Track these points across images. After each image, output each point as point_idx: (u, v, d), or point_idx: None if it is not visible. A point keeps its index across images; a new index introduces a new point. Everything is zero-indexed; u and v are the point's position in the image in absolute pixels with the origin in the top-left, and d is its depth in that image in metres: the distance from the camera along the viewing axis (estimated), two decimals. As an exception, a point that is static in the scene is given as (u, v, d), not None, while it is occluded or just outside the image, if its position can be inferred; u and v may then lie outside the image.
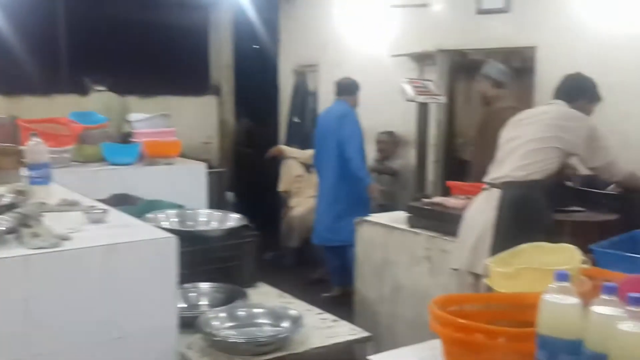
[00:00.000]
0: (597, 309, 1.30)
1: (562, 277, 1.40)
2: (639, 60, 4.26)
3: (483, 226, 3.08)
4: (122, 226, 2.49)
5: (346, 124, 5.18)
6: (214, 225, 3.42)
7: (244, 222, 3.34)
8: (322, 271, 5.89)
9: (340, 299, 5.08)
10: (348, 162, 5.15)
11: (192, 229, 3.35)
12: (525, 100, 4.93)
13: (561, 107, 3.28)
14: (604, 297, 1.31)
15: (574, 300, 1.38)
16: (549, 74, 4.83)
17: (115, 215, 2.65)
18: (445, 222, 3.58)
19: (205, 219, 3.50)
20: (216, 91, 7.97)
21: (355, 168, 5.12)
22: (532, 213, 3.02)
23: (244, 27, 7.47)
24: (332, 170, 5.28)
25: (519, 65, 5.52)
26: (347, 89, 5.39)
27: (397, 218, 4.03)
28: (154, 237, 2.37)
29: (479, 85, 4.67)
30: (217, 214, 3.56)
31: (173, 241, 2.35)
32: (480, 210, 3.14)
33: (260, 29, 7.25)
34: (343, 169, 5.19)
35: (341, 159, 5.19)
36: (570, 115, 3.20)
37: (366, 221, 4.08)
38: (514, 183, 3.06)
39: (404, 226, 3.83)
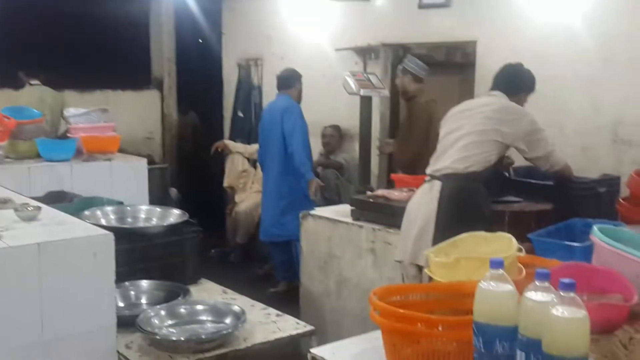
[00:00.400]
0: (531, 295, 1.32)
1: (497, 265, 1.41)
2: (575, 52, 4.37)
3: (425, 218, 3.11)
4: (56, 224, 2.40)
5: (289, 118, 5.15)
6: (154, 221, 3.35)
7: (186, 217, 3.28)
8: (269, 267, 5.86)
9: (287, 294, 5.07)
10: (291, 157, 5.13)
11: (131, 226, 3.27)
12: (466, 94, 5.03)
13: (501, 99, 3.30)
14: (538, 283, 1.33)
15: (508, 287, 1.40)
16: (489, 67, 4.90)
17: (50, 213, 2.56)
18: (388, 215, 3.60)
19: (145, 216, 3.42)
20: (158, 85, 7.81)
21: (298, 163, 5.10)
22: (472, 204, 3.07)
23: (186, 20, 7.34)
24: (276, 165, 5.25)
25: (461, 60, 5.62)
26: (286, 82, 5.35)
27: (341, 211, 4.03)
28: (89, 235, 2.30)
29: (399, 80, 4.76)
30: (157, 210, 3.48)
31: (110, 238, 2.28)
32: (422, 203, 3.17)
33: (202, 22, 7.14)
34: (287, 163, 5.17)
35: (285, 154, 5.16)
36: (510, 109, 3.24)
37: (311, 215, 4.07)
38: (454, 175, 3.10)
39: (348, 219, 3.84)
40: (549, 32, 4.48)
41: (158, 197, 5.71)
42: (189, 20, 7.21)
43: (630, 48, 4.12)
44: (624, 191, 3.44)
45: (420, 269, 3.07)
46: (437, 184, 3.13)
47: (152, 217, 3.41)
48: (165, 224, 3.26)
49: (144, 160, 4.81)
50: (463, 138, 3.16)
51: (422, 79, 4.74)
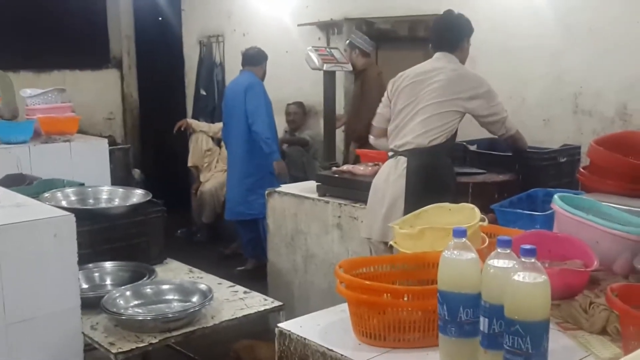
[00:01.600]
0: (493, 262, 1.34)
1: (459, 234, 1.42)
2: (536, 23, 4.39)
3: (393, 195, 3.10)
4: (14, 206, 2.36)
5: (253, 96, 5.09)
6: (117, 202, 3.31)
7: (149, 197, 3.24)
8: (236, 245, 5.84)
9: (255, 273, 5.06)
10: (256, 135, 5.09)
11: (93, 207, 3.22)
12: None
13: (450, 63, 3.22)
14: (499, 250, 1.35)
15: (471, 255, 1.41)
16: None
17: (8, 196, 2.51)
18: (354, 189, 3.60)
19: (107, 196, 3.38)
20: (117, 64, 7.64)
21: (264, 142, 5.05)
22: (440, 178, 3.07)
23: (143, -5, 7.18)
24: (241, 143, 5.20)
25: (424, 34, 5.61)
26: (253, 59, 5.29)
27: (307, 188, 4.02)
28: (49, 216, 2.26)
29: (347, 55, 4.80)
30: (120, 190, 3.43)
31: (71, 219, 2.24)
32: (389, 180, 3.15)
33: (160, -1, 6.99)
34: (252, 141, 5.12)
35: (249, 132, 5.11)
36: (465, 77, 3.18)
37: (276, 192, 4.05)
38: (418, 150, 3.09)
39: (314, 195, 3.83)
40: (510, 4, 4.50)
41: (121, 178, 5.64)
42: (147, -4, 7.05)
43: (590, 18, 4.15)
44: (585, 160, 3.50)
45: (390, 246, 3.06)
46: (402, 160, 3.11)
47: (115, 197, 3.37)
48: (128, 204, 3.22)
49: (105, 141, 4.73)
50: (422, 111, 3.12)
51: (369, 53, 4.86)
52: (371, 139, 3.51)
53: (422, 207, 2.13)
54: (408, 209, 2.91)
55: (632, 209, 2.25)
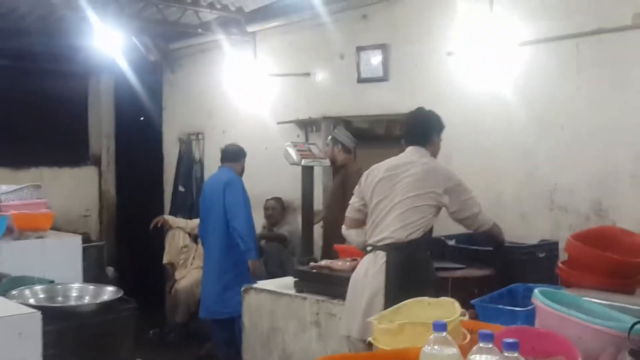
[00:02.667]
0: (475, 357, 1.29)
1: (440, 327, 1.38)
2: (508, 121, 4.51)
3: (373, 291, 3.04)
4: (-23, 303, 2.26)
5: (231, 192, 5.08)
6: (86, 300, 3.20)
7: (120, 294, 3.14)
8: (210, 345, 5.63)
9: (231, 374, 4.86)
10: (234, 231, 5.04)
11: (61, 305, 3.10)
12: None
13: (423, 157, 3.28)
14: (482, 345, 1.30)
15: (453, 350, 1.36)
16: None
17: (-29, 293, 2.41)
18: (332, 285, 3.54)
19: (77, 294, 3.28)
20: (96, 161, 7.65)
21: (240, 238, 4.99)
22: (420, 272, 3.04)
23: (126, 95, 7.29)
24: (218, 240, 5.13)
25: (400, 133, 5.73)
26: (232, 156, 5.34)
27: (285, 284, 3.94)
28: (14, 314, 2.17)
29: (329, 149, 4.94)
30: (90, 287, 3.33)
31: (37, 317, 2.16)
32: (368, 275, 3.10)
33: (143, 97, 7.09)
34: (229, 237, 5.06)
35: (228, 228, 5.07)
36: (438, 170, 3.24)
37: (253, 289, 3.96)
38: (397, 244, 3.06)
39: (292, 291, 3.75)
40: (483, 102, 4.64)
41: (94, 276, 5.48)
42: (129, 96, 7.15)
43: (562, 116, 4.29)
44: (563, 255, 3.50)
45: (369, 344, 2.95)
46: (381, 255, 3.08)
47: (85, 295, 3.26)
48: (97, 301, 3.11)
49: (79, 238, 4.63)
50: (398, 206, 3.13)
51: (351, 150, 4.96)
52: (343, 229, 3.48)
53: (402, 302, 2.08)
54: (388, 305, 2.82)
55: (613, 304, 2.22)
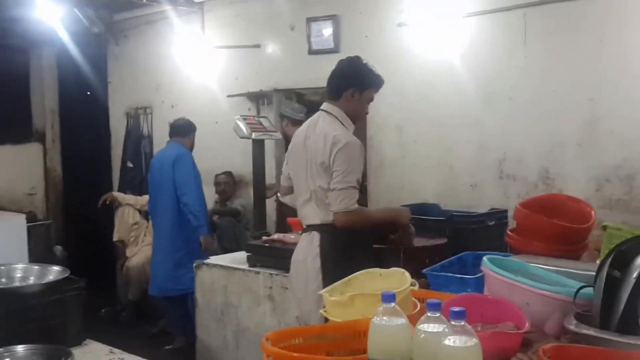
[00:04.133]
0: (423, 326, 1.28)
1: (388, 298, 1.36)
2: (459, 93, 4.54)
3: (311, 278, 2.92)
4: None
5: (181, 167, 4.99)
6: (31, 280, 3.09)
7: (67, 274, 3.04)
8: (163, 323, 5.57)
9: (184, 351, 4.82)
10: (185, 207, 4.96)
11: (5, 286, 2.99)
12: (361, 138, 5.09)
13: (328, 123, 2.90)
14: (429, 314, 1.29)
15: (401, 321, 1.35)
16: (379, 110, 5.03)
17: None
18: (285, 259, 3.47)
19: (21, 275, 3.14)
20: (40, 138, 7.40)
21: (192, 214, 4.92)
22: (355, 249, 2.91)
23: (69, 69, 7.03)
24: (168, 216, 5.04)
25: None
26: (181, 130, 5.22)
27: (238, 259, 3.91)
28: (-50, 298, 2.06)
29: (279, 125, 4.82)
30: (35, 268, 3.20)
31: (-25, 300, 2.05)
32: (307, 260, 2.97)
33: (87, 71, 6.86)
34: (180, 213, 4.98)
35: (178, 204, 4.98)
36: (338, 146, 2.83)
37: (205, 264, 3.92)
38: (325, 226, 2.91)
39: (245, 266, 3.72)
40: (434, 74, 4.65)
41: (42, 256, 5.34)
42: (73, 70, 6.90)
43: (510, 87, 4.33)
44: (512, 223, 3.56)
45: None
46: (316, 237, 2.94)
47: (29, 275, 3.14)
48: (43, 282, 3.00)
49: (23, 217, 4.46)
50: (311, 184, 2.92)
51: (300, 121, 4.76)
52: (282, 198, 3.36)
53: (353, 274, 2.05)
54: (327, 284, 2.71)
55: (560, 269, 2.26)
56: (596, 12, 3.95)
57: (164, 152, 5.25)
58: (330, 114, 2.94)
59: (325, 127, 2.89)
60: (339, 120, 2.94)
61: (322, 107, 3.00)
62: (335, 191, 2.80)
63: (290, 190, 3.20)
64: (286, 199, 3.30)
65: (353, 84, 2.95)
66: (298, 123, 4.89)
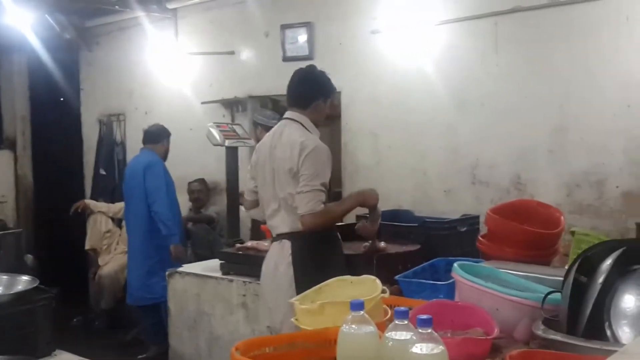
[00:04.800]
0: (391, 334, 1.28)
1: (357, 307, 1.36)
2: (432, 99, 4.57)
3: (282, 284, 2.91)
4: None
5: (152, 175, 4.94)
6: (-1, 290, 3.03)
7: (36, 284, 2.99)
8: (137, 331, 5.50)
9: (158, 359, 4.76)
10: (155, 215, 4.91)
11: (-29, 297, 2.93)
12: (336, 144, 5.12)
13: (297, 130, 2.92)
14: (397, 322, 1.29)
15: (370, 329, 1.35)
16: (354, 117, 5.06)
17: None
18: (259, 266, 3.45)
19: (-12, 285, 3.09)
20: (10, 145, 7.28)
21: (162, 223, 4.87)
22: (326, 256, 2.92)
23: (41, 76, 6.93)
24: (140, 224, 4.99)
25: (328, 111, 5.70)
26: (153, 137, 5.18)
27: (211, 267, 3.89)
28: None
29: (253, 132, 4.78)
30: (4, 278, 3.14)
31: (-61, 311, 2.01)
32: (278, 269, 2.96)
33: (59, 78, 6.77)
34: (152, 222, 4.92)
35: (149, 212, 4.93)
36: (306, 151, 2.85)
37: (178, 273, 3.88)
38: (295, 234, 2.91)
39: (218, 274, 3.70)
40: (407, 80, 4.68)
41: (12, 265, 5.26)
42: (44, 76, 6.80)
43: (482, 94, 4.38)
44: (483, 229, 3.59)
45: None
46: (287, 245, 2.93)
47: (-3, 285, 3.09)
48: (11, 292, 2.95)
49: (-8, 225, 4.41)
50: (279, 192, 2.92)
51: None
52: (247, 212, 3.33)
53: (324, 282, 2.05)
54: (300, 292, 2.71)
55: (529, 274, 2.28)
56: (565, 21, 4.02)
57: (136, 159, 5.21)
58: (297, 121, 2.98)
59: (291, 134, 2.92)
60: (306, 127, 2.98)
61: (287, 116, 3.03)
62: (301, 194, 2.81)
63: (255, 204, 3.19)
64: (252, 213, 3.30)
65: (322, 94, 3.03)
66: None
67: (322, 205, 2.83)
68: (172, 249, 4.88)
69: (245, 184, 3.28)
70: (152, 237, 4.94)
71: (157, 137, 5.17)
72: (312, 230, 2.85)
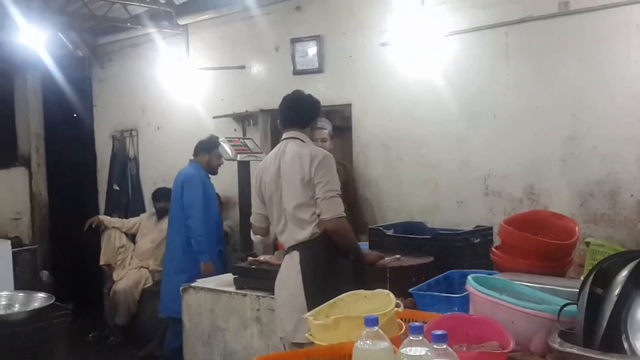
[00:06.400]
0: (406, 350, 1.28)
1: (371, 322, 1.36)
2: (442, 110, 4.57)
3: (293, 294, 3.01)
4: None
5: (189, 189, 4.89)
6: (16, 308, 3.07)
7: (52, 301, 3.03)
8: (152, 347, 5.51)
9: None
10: (188, 231, 4.87)
11: (-11, 315, 2.97)
12: (348, 156, 5.12)
13: (300, 145, 3.11)
14: (412, 337, 1.29)
15: (384, 344, 1.35)
16: (364, 129, 5.07)
17: None
18: (272, 280, 3.47)
19: (6, 302, 3.16)
20: (25, 162, 7.35)
21: (194, 239, 4.83)
22: (334, 266, 3.01)
23: (54, 93, 7.00)
24: (177, 237, 4.97)
25: (340, 124, 5.74)
26: (195, 149, 5.12)
27: (224, 281, 3.89)
28: None
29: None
30: (20, 295, 3.21)
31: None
32: (289, 279, 3.06)
33: (72, 94, 6.83)
34: (188, 236, 4.91)
35: (186, 226, 4.90)
36: (317, 159, 3.04)
37: (192, 288, 3.89)
38: (304, 243, 3.02)
39: (232, 289, 3.70)
40: (418, 92, 4.68)
41: (28, 281, 5.30)
42: (58, 93, 6.87)
43: (493, 104, 4.37)
44: (497, 240, 3.57)
45: (302, 346, 2.82)
46: (296, 255, 3.05)
47: (14, 303, 3.15)
48: (28, 309, 3.00)
49: (8, 242, 4.46)
50: (291, 206, 3.04)
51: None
52: (256, 238, 3.39)
53: (324, 298, 2.06)
54: (310, 305, 2.77)
55: (544, 286, 2.27)
56: (576, 30, 4.01)
57: (180, 171, 5.15)
58: (299, 139, 3.17)
59: (298, 149, 3.10)
60: (307, 143, 3.18)
61: (288, 136, 3.20)
62: (325, 200, 2.99)
63: (263, 232, 3.30)
64: (257, 238, 3.36)
65: (317, 114, 3.33)
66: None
67: (343, 211, 3.03)
68: (202, 267, 4.81)
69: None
70: (188, 251, 4.89)
71: (197, 148, 5.12)
72: (336, 234, 3.02)
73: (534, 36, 4.20)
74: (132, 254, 6.12)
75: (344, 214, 3.04)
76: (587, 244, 3.18)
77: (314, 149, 3.11)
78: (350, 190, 4.36)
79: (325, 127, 4.49)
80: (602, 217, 3.98)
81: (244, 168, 4.13)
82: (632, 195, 3.87)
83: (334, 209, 3.00)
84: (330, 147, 4.42)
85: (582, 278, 2.26)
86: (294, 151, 3.09)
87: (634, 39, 3.79)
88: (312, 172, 3.00)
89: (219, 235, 5.16)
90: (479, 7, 4.40)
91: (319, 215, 3.01)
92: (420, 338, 1.28)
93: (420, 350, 1.26)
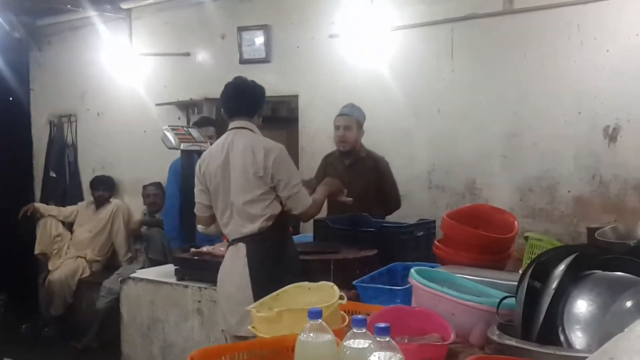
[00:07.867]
0: (349, 343, 1.27)
1: (315, 315, 1.35)
2: (389, 104, 4.60)
3: (238, 287, 2.95)
4: None
5: (168, 177, 4.74)
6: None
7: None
8: (89, 339, 5.36)
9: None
10: None
11: None
12: (293, 147, 5.09)
13: (247, 136, 3.01)
14: (355, 330, 1.28)
15: (327, 337, 1.34)
16: (311, 120, 5.05)
17: None
18: (214, 272, 3.40)
19: None
20: (-45, 147, 7.03)
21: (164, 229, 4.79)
22: (282, 260, 2.99)
23: (-12, 76, 6.72)
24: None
25: (286, 114, 5.70)
26: None
27: (165, 272, 3.81)
28: None
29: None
30: (-54, 285, 3.05)
31: None
32: (234, 272, 2.99)
33: (8, 77, 6.55)
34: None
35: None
36: (273, 154, 2.95)
37: (131, 278, 3.79)
38: (252, 237, 2.96)
39: (173, 280, 3.63)
40: (365, 85, 4.70)
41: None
42: (-8, 77, 6.61)
43: (438, 99, 4.42)
44: (440, 234, 3.62)
45: (245, 339, 2.68)
46: (242, 248, 2.98)
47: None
48: (-45, 300, 2.85)
49: None
50: (240, 200, 2.97)
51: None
52: (200, 228, 3.29)
53: (271, 291, 2.03)
54: (257, 299, 2.70)
55: (484, 279, 2.31)
56: (520, 28, 4.10)
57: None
58: (248, 129, 3.08)
59: (249, 141, 3.01)
60: (256, 133, 3.11)
61: (236, 125, 3.08)
62: (291, 198, 2.99)
63: (209, 220, 3.17)
64: (209, 230, 3.25)
65: (263, 102, 3.23)
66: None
67: (310, 199, 3.08)
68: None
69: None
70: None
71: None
72: (310, 218, 3.27)
73: (478, 33, 4.27)
74: (69, 243, 5.94)
75: (310, 199, 3.07)
76: (526, 238, 3.26)
77: (267, 141, 3.02)
78: (387, 187, 4.19)
79: (352, 113, 4.18)
80: (540, 212, 4.09)
81: (187, 157, 4.04)
82: (569, 191, 4.00)
83: (303, 202, 3.03)
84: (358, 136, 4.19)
85: (520, 271, 2.31)
86: (244, 143, 2.99)
87: (575, 39, 3.90)
88: (268, 168, 2.93)
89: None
90: (426, 3, 4.45)
91: (289, 211, 3.02)
92: (364, 331, 1.27)
93: (363, 343, 1.25)
